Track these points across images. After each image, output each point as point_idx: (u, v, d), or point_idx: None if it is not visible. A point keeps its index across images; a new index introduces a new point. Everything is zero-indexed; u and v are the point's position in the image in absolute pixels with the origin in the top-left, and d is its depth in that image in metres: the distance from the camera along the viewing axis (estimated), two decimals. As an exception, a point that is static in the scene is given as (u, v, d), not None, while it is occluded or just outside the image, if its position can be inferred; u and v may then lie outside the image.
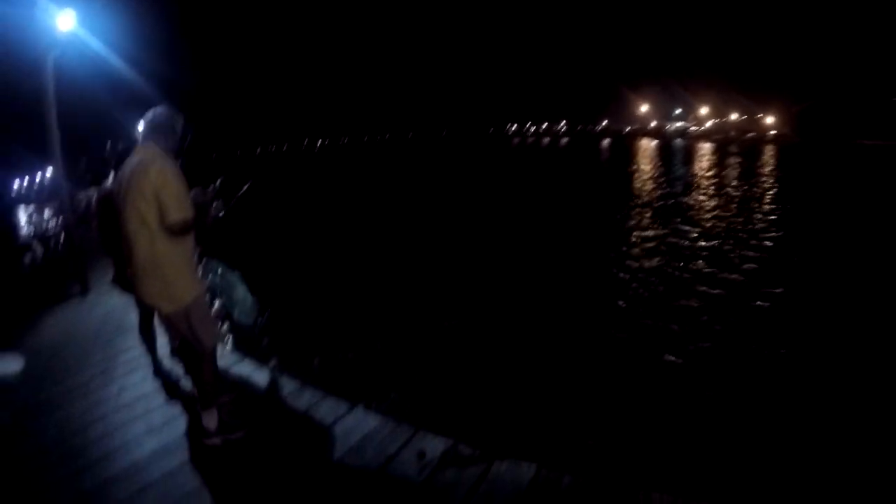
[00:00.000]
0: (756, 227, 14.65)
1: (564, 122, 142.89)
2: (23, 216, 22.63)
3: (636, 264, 11.09)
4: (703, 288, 9.32)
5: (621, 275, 10.33)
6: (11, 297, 7.43)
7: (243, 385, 3.92)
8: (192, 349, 3.09)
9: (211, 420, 3.11)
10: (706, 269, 10.55)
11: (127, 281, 3.27)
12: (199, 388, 3.17)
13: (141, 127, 3.02)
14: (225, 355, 4.47)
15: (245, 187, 4.03)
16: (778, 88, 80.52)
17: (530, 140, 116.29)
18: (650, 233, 14.33)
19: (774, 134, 71.82)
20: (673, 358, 6.47)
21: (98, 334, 5.49)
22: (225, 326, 7.44)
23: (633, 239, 13.64)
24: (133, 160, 2.92)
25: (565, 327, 7.52)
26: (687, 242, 13.07)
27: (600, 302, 8.71)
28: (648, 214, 17.16)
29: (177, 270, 2.92)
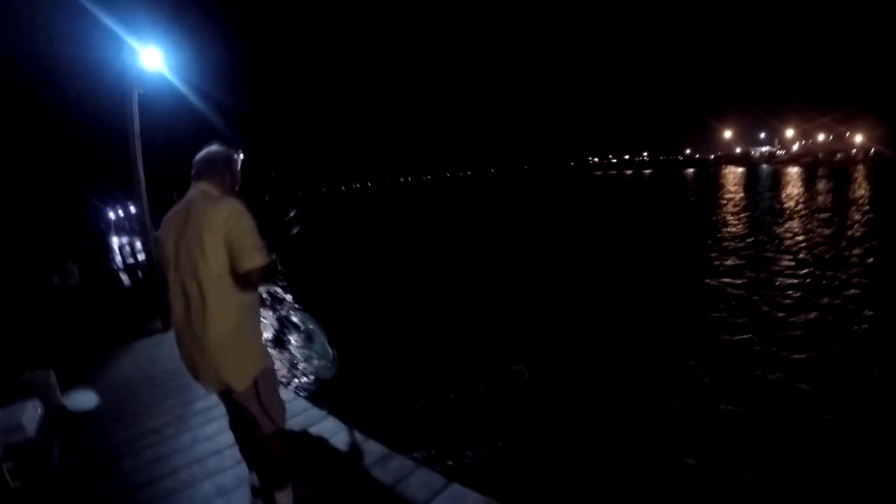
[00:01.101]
0: (850, 253, 13.57)
1: (646, 152, 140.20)
2: (116, 245, 23.79)
3: (725, 297, 10.28)
4: (797, 318, 8.64)
5: (709, 310, 9.51)
6: (95, 325, 7.49)
7: (323, 447, 3.51)
8: (254, 428, 2.56)
9: (285, 498, 2.63)
10: (799, 298, 9.81)
11: None
12: (268, 468, 2.68)
13: (194, 167, 2.61)
14: (308, 411, 4.07)
15: (294, 229, 3.62)
16: (865, 105, 75.72)
17: (612, 172, 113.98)
18: (739, 263, 13.41)
19: (865, 153, 67.54)
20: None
21: (174, 376, 5.23)
22: (307, 378, 7.21)
23: (720, 269, 12.80)
24: (184, 201, 2.49)
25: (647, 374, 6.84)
26: (777, 271, 12.26)
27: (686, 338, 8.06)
28: (737, 245, 16.07)
29: (248, 336, 2.46)
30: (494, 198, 56.19)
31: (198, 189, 2.51)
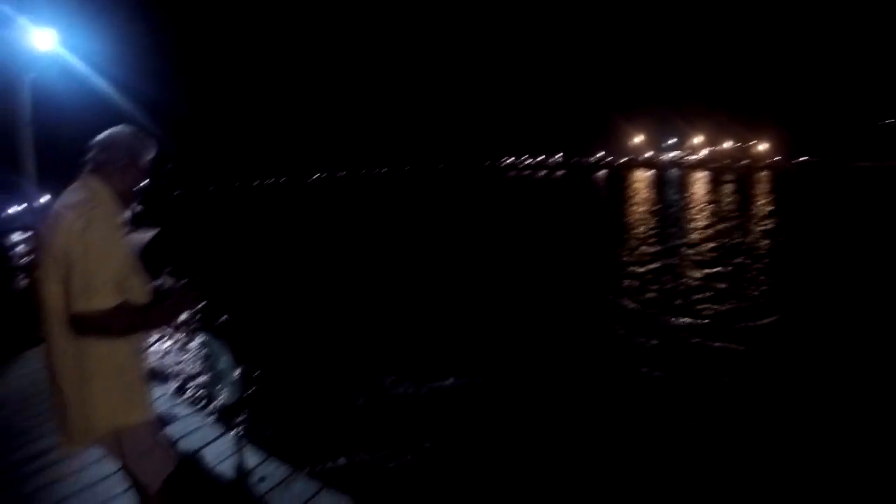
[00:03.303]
0: (754, 248, 14.91)
1: (559, 154, 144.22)
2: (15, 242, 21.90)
3: (636, 295, 10.77)
4: (705, 308, 9.41)
5: (623, 303, 10.09)
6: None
7: (220, 470, 3.30)
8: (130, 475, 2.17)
9: None
10: (705, 294, 10.52)
11: None
12: None
13: (89, 152, 2.08)
14: (202, 428, 3.88)
15: (151, 234, 3.26)
16: (771, 114, 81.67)
17: (526, 173, 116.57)
18: (650, 261, 14.14)
19: (768, 161, 72.62)
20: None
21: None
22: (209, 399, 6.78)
23: (633, 269, 13.36)
24: (61, 199, 1.98)
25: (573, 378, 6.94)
26: (686, 267, 13.16)
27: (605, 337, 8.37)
28: (647, 244, 16.98)
29: (104, 388, 1.92)
30: (409, 196, 56.22)
31: (81, 183, 2.01)
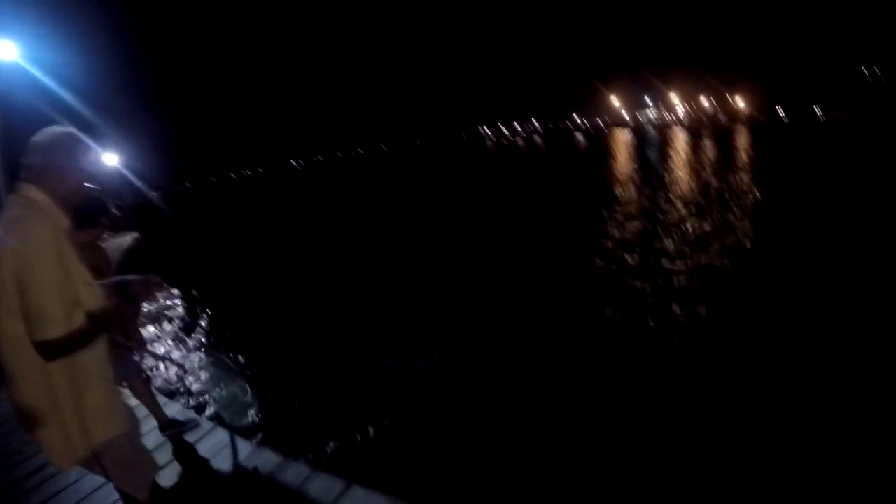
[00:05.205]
0: (734, 203, 14.92)
1: (535, 120, 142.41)
2: None
3: (622, 262, 10.79)
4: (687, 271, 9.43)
5: (612, 274, 10.02)
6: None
7: (211, 461, 3.35)
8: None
9: None
10: (693, 255, 10.53)
11: None
12: None
13: (24, 159, 1.89)
14: (198, 422, 3.92)
15: (131, 239, 3.18)
16: (746, 67, 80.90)
17: (505, 142, 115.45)
18: (634, 224, 14.21)
19: (746, 117, 72.45)
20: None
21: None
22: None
23: (616, 232, 13.43)
24: (2, 214, 1.85)
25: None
26: (671, 226, 13.20)
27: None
28: (631, 205, 17.07)
29: (73, 408, 1.85)
30: (391, 176, 55.25)
31: (17, 195, 1.85)
